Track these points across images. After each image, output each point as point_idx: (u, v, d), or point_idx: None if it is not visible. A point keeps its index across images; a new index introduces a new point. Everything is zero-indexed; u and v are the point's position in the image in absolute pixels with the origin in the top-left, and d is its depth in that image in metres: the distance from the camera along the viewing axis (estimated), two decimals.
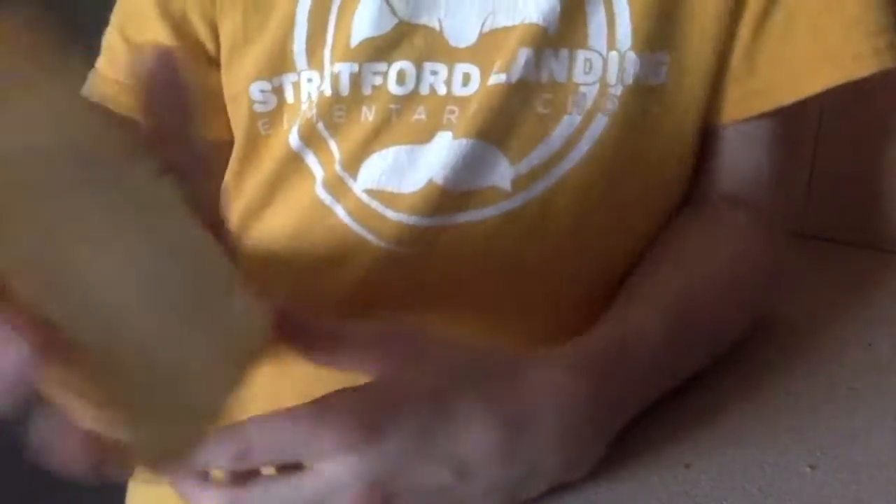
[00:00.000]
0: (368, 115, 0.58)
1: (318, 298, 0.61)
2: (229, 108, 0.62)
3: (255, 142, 0.62)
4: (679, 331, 0.54)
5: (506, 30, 0.56)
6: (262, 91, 0.60)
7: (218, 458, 0.44)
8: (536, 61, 0.56)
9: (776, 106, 0.62)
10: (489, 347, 0.50)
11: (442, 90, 0.57)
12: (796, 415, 0.55)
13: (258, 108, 0.61)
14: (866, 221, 0.84)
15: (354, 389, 0.46)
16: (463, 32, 0.56)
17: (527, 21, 0.56)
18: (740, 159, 0.65)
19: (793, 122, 0.65)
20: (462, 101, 0.57)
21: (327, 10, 0.58)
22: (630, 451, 0.52)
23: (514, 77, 0.56)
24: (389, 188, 0.58)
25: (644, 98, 0.58)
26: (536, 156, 0.58)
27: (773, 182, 0.66)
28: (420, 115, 0.57)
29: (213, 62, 0.62)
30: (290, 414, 0.44)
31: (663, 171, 0.63)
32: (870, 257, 0.81)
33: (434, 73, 0.57)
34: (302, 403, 0.45)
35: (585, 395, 0.48)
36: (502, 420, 0.46)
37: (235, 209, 0.64)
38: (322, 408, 0.45)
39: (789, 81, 0.61)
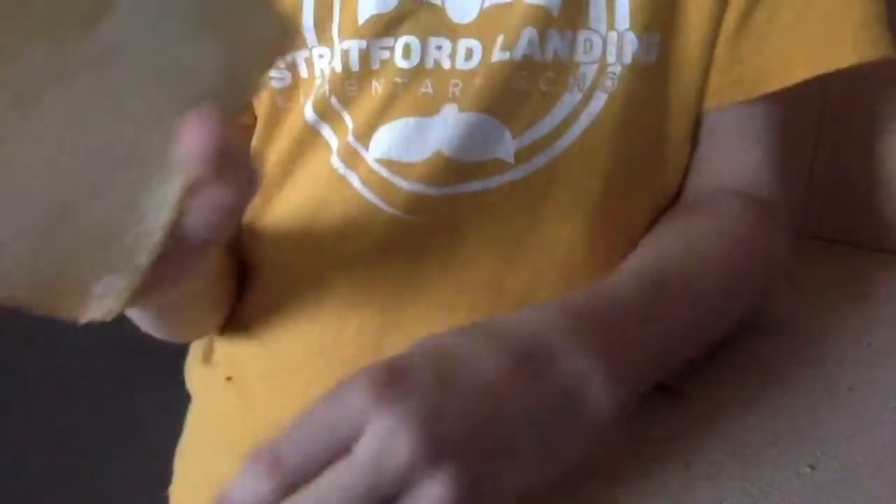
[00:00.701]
0: (378, 88, 0.60)
1: (334, 268, 0.64)
2: None
3: (274, 117, 0.64)
4: (658, 293, 0.54)
5: (505, 6, 0.59)
6: (278, 68, 0.62)
7: (254, 484, 0.40)
8: (540, 41, 0.59)
9: (757, 94, 0.63)
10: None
11: (446, 64, 0.59)
12: (796, 415, 0.56)
13: (275, 83, 0.63)
14: (866, 221, 0.84)
15: (357, 371, 0.43)
16: (464, 9, 0.59)
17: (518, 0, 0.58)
18: (734, 151, 0.65)
19: (790, 114, 0.66)
20: (465, 75, 0.59)
21: None
22: (630, 451, 0.52)
23: (518, 55, 0.58)
24: (399, 158, 0.61)
25: (640, 77, 0.60)
26: (538, 130, 0.60)
27: (774, 175, 0.66)
28: (427, 88, 0.60)
29: None
30: (304, 411, 0.41)
31: (663, 151, 0.64)
32: (870, 257, 0.81)
33: (438, 47, 0.59)
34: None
35: (583, 338, 0.48)
36: (513, 349, 0.45)
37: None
38: (333, 391, 0.42)
39: (771, 70, 0.62)
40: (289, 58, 0.62)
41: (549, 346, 0.46)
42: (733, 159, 0.65)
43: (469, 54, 0.59)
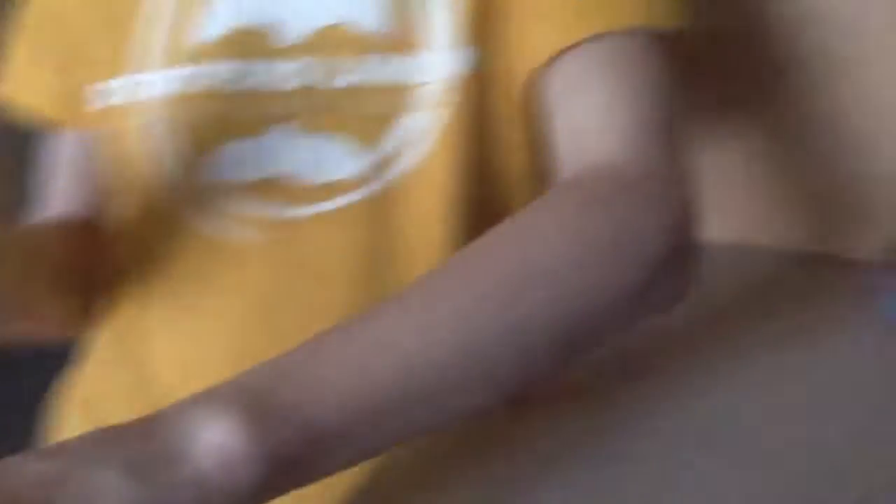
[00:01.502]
0: (205, 111, 0.62)
1: (187, 298, 0.64)
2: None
3: (104, 139, 0.67)
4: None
5: (325, 30, 0.61)
6: (100, 91, 0.66)
7: None
8: (369, 67, 0.60)
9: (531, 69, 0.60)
10: None
11: (269, 87, 0.61)
12: (796, 415, 0.56)
13: (96, 105, 0.66)
14: (864, 229, 0.85)
15: None
16: (286, 34, 0.62)
17: (347, 22, 0.61)
18: (565, 115, 0.59)
19: (623, 65, 0.59)
20: (288, 96, 0.61)
21: (160, 18, 0.64)
22: (629, 451, 0.52)
23: (344, 82, 0.60)
24: (234, 180, 0.62)
25: (469, 90, 0.60)
26: (382, 150, 0.60)
27: (622, 132, 0.57)
28: (252, 109, 0.61)
29: None
30: None
31: (512, 162, 0.62)
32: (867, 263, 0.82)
33: (261, 71, 0.61)
34: None
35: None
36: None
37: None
38: None
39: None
40: (110, 84, 0.65)
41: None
42: (566, 126, 0.59)
43: (290, 77, 0.61)
